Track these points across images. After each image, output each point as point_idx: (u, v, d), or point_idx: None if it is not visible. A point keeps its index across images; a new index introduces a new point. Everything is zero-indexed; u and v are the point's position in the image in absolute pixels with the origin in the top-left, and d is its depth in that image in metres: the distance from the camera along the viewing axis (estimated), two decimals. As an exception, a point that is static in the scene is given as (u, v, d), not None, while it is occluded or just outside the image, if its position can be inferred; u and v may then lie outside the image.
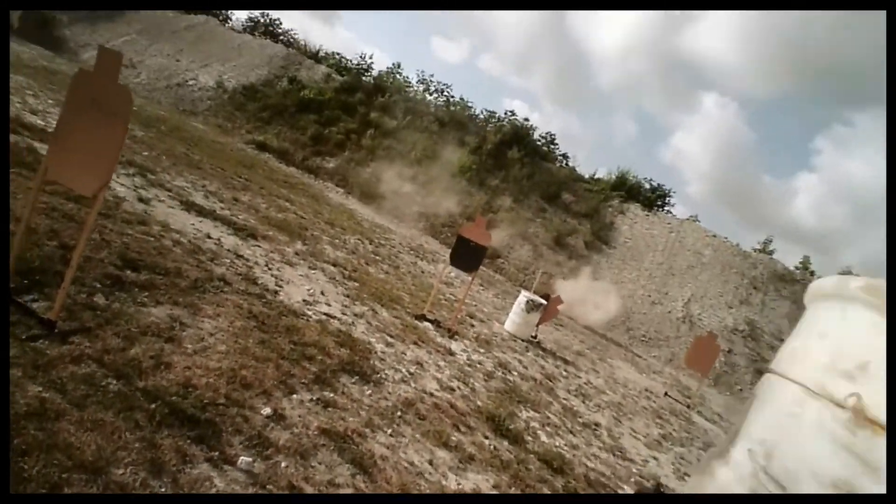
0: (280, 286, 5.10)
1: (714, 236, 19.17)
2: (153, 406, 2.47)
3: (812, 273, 21.19)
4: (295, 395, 3.23)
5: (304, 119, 20.25)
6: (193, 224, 5.74)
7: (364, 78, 23.52)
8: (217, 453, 2.40)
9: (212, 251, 5.12)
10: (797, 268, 20.42)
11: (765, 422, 0.65)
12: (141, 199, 5.70)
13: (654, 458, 5.67)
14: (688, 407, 9.72)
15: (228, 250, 5.40)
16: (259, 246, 6.12)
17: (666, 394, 9.93)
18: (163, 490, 2.09)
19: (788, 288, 17.65)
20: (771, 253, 20.68)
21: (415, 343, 5.38)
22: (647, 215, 20.11)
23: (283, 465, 2.53)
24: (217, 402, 2.74)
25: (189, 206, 6.33)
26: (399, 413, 3.67)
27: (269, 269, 5.47)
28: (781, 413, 0.63)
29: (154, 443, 2.27)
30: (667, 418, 7.88)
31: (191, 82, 21.92)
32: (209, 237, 5.52)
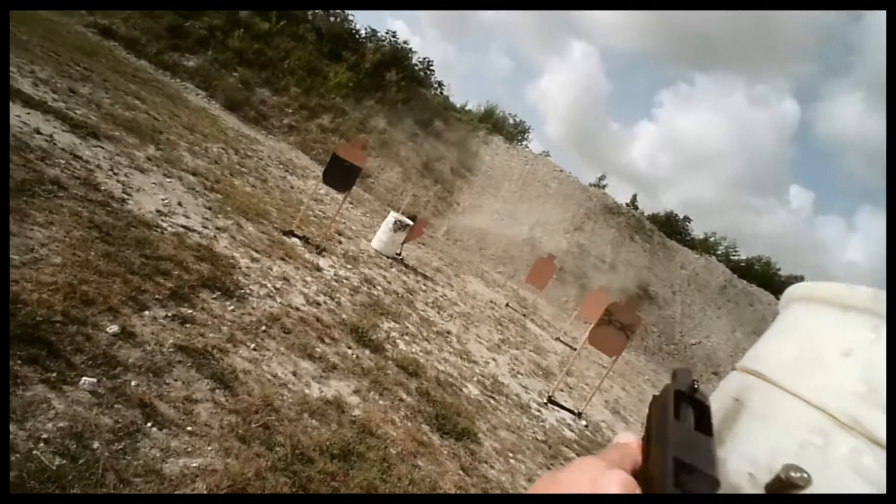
0: (128, 194, 4.43)
1: (561, 171, 20.69)
2: (-34, 326, 2.06)
3: (637, 208, 24.12)
4: (147, 312, 2.92)
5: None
6: (19, 116, 4.65)
7: (231, -33, 20.07)
8: (55, 374, 2.11)
9: (42, 149, 4.23)
10: (627, 204, 23.13)
11: (769, 444, 0.51)
12: (-64, 78, 4.43)
13: (494, 360, 6.30)
14: (523, 316, 10.84)
15: (63, 150, 4.51)
16: (102, 147, 5.20)
17: (507, 304, 10.93)
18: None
19: (614, 219, 19.96)
20: (604, 188, 23.05)
21: (282, 259, 5.14)
22: (508, 148, 20.92)
23: (133, 383, 2.32)
24: (53, 320, 2.37)
25: (14, 95, 5.08)
26: (263, 328, 3.54)
27: (115, 174, 4.71)
28: (795, 440, 0.51)
29: (-30, 367, 1.91)
30: (506, 325, 8.73)
31: (3, -65, 16.93)
32: (39, 132, 4.54)
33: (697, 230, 26.77)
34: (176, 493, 1.89)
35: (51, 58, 7.84)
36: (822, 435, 0.48)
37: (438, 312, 6.93)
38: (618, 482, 0.32)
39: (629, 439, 0.39)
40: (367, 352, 4.18)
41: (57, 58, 8.10)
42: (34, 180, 3.62)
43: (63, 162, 4.25)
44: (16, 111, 4.74)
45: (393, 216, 8.45)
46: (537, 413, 5.34)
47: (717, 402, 0.64)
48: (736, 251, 25.29)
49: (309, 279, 5.06)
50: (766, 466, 0.50)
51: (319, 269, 5.55)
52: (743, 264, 24.26)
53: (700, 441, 0.36)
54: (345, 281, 5.72)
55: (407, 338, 5.13)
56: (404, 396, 3.78)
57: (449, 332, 6.25)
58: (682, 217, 26.36)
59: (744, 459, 0.52)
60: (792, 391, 0.56)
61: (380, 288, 6.31)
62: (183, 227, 4.46)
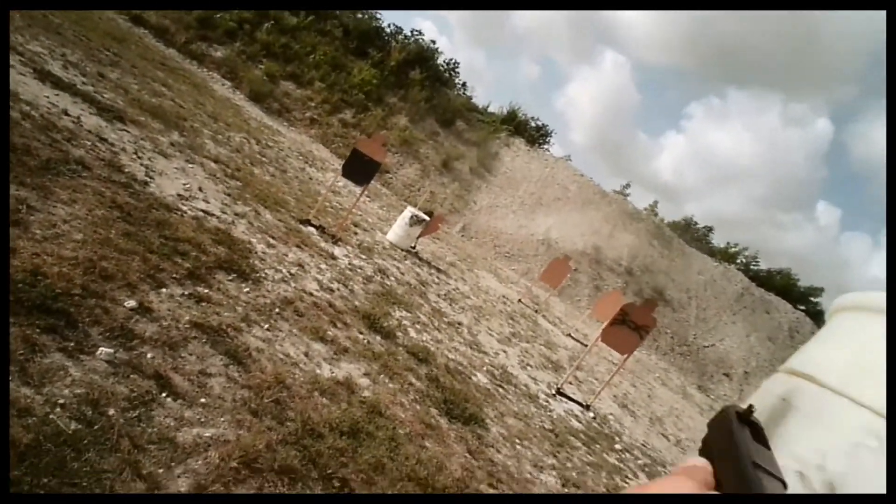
0: (150, 177, 4.51)
1: (581, 175, 20.50)
2: (-9, 292, 2.11)
3: (656, 214, 23.76)
4: (164, 290, 2.96)
5: (187, -2, 17.21)
6: (48, 97, 4.76)
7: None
8: (72, 343, 2.15)
9: (69, 130, 4.32)
10: (645, 209, 22.84)
11: (819, 444, 0.52)
12: (-27, 60, 4.56)
13: (504, 351, 6.27)
14: (535, 311, 10.78)
15: (89, 131, 4.60)
16: (127, 131, 5.29)
17: (519, 300, 10.87)
18: (11, 380, 1.85)
19: (634, 224, 19.73)
20: (627, 195, 22.81)
21: (297, 246, 5.18)
22: (529, 150, 20.79)
23: (149, 355, 2.36)
24: (72, 293, 2.42)
25: (44, 76, 5.21)
26: (277, 310, 3.57)
27: (139, 157, 4.79)
28: (847, 441, 0.51)
29: (-7, 331, 1.96)
30: (517, 320, 8.68)
31: (41, -72, 17.31)
32: (66, 114, 4.64)
33: (720, 241, 26.31)
34: (188, 461, 1.91)
35: (82, 42, 8.00)
36: (877, 438, 0.48)
37: (450, 304, 6.92)
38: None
39: (697, 462, 0.43)
40: (379, 338, 4.19)
41: (88, 42, 8.26)
42: (60, 160, 3.70)
43: (89, 143, 4.34)
44: (45, 92, 4.85)
45: (410, 210, 8.46)
46: (545, 403, 5.30)
47: (761, 401, 0.62)
48: (756, 261, 24.78)
49: (323, 266, 5.10)
50: (815, 466, 0.51)
51: (334, 258, 5.59)
52: (763, 274, 23.76)
53: (764, 451, 0.41)
54: (359, 270, 5.75)
55: (418, 326, 5.14)
56: (414, 381, 3.78)
57: (460, 324, 6.24)
58: (702, 226, 25.92)
59: (792, 459, 0.51)
60: (846, 394, 0.55)
61: (393, 278, 6.32)
62: (202, 211, 4.52)
